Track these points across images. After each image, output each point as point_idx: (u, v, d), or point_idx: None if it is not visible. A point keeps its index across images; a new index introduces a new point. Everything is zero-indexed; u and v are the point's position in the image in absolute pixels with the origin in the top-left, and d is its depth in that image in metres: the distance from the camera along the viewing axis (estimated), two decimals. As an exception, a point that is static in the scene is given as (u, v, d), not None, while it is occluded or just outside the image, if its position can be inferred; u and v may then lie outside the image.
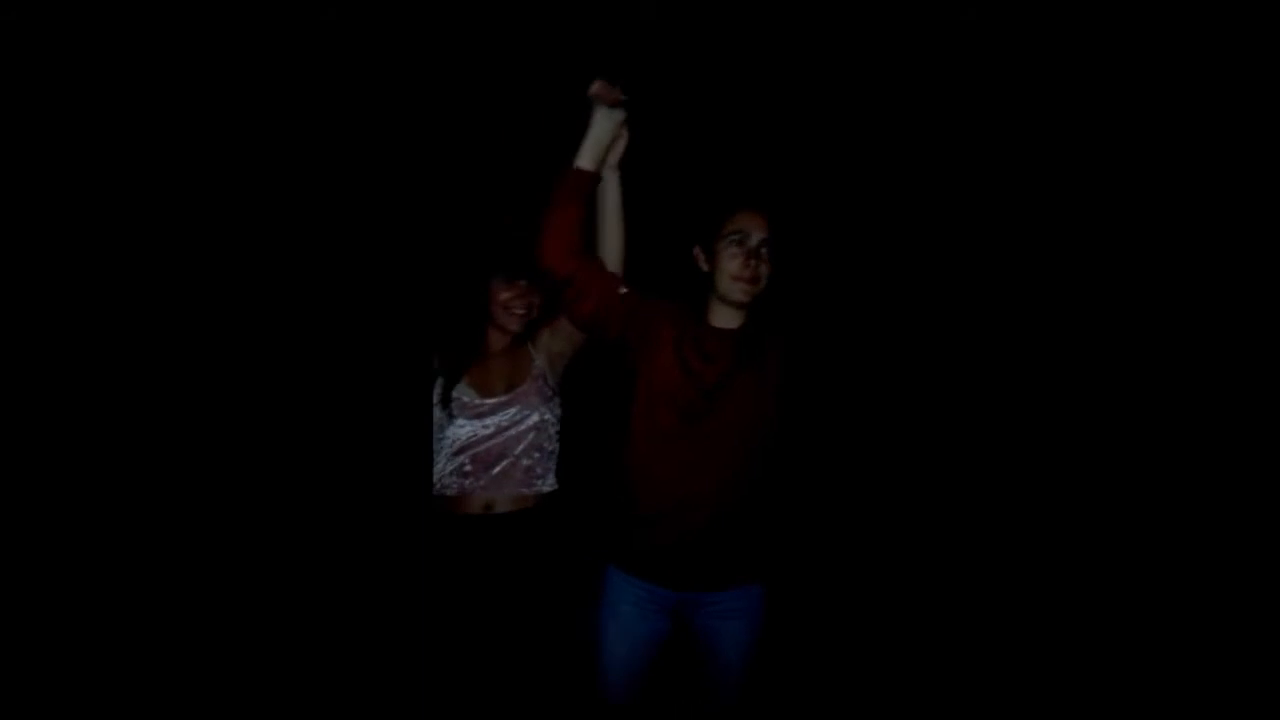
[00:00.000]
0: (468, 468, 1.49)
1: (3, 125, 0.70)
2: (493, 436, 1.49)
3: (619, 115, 1.39)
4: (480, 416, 1.50)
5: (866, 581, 2.52)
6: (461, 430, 1.49)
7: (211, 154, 0.76)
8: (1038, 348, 2.24)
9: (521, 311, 1.55)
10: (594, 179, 1.39)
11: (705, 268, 1.45)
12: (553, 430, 1.55)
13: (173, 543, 0.74)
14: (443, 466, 1.50)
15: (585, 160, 1.37)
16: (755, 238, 1.38)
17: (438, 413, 1.50)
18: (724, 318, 1.43)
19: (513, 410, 1.50)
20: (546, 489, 1.54)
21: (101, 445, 0.71)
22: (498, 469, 1.49)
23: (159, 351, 0.73)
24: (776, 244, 1.41)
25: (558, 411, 1.57)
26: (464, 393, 1.51)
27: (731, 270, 1.38)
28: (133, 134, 0.73)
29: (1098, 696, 1.84)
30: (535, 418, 1.51)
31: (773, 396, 1.41)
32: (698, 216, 1.49)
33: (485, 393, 1.51)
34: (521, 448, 1.50)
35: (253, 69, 0.78)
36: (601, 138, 1.38)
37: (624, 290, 1.41)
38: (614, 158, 1.44)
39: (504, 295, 1.54)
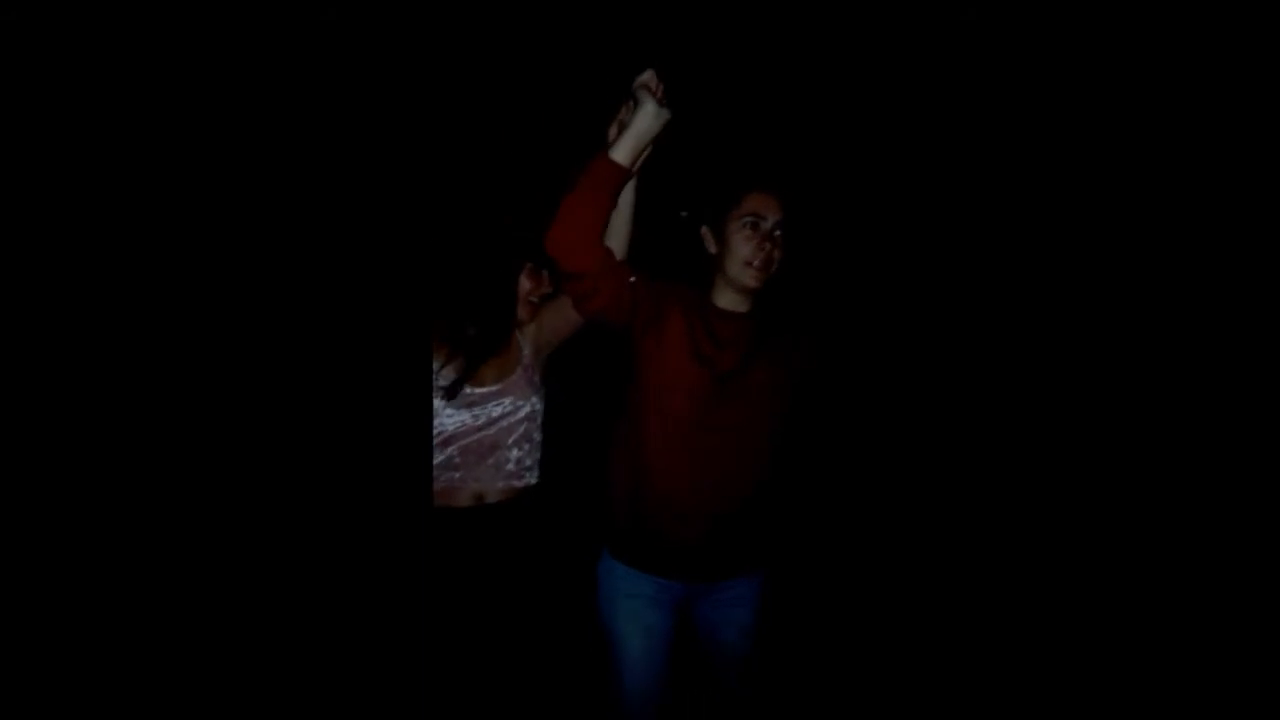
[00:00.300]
0: (456, 459, 1.42)
1: (2, 125, 0.70)
2: (484, 428, 1.43)
3: (666, 115, 1.26)
4: (470, 406, 1.42)
5: (874, 568, 2.53)
6: (449, 421, 1.41)
7: (212, 153, 0.76)
8: (1036, 353, 2.25)
9: (536, 302, 1.49)
10: (627, 175, 1.27)
11: (713, 249, 1.38)
12: (539, 421, 1.50)
13: (164, 536, 0.74)
14: None
15: (622, 154, 1.24)
16: (769, 221, 1.32)
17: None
18: (731, 301, 1.38)
19: (506, 401, 1.44)
20: (534, 480, 1.49)
21: (89, 436, 0.71)
22: (490, 460, 1.43)
23: (150, 343, 0.73)
24: (790, 228, 1.35)
25: (543, 402, 1.51)
26: (448, 378, 1.43)
27: (744, 255, 1.32)
28: (133, 134, 0.73)
29: (1095, 690, 1.85)
30: (527, 408, 1.46)
31: (787, 387, 1.37)
32: (706, 194, 1.42)
33: (475, 382, 1.44)
34: (513, 439, 1.45)
35: (253, 69, 0.78)
36: (644, 134, 1.24)
37: (633, 279, 1.34)
38: (638, 162, 1.31)
39: (527, 286, 1.48)
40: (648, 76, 1.27)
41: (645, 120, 1.24)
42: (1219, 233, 1.77)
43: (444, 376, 1.42)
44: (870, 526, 2.61)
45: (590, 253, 1.28)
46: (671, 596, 1.40)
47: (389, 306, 0.85)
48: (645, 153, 1.32)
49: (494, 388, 1.45)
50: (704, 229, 1.41)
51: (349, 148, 0.81)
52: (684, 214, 1.49)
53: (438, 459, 1.42)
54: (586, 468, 1.53)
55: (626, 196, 1.38)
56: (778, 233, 1.34)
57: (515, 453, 1.46)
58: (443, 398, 1.42)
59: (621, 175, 1.27)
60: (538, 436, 1.50)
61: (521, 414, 1.46)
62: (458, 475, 1.42)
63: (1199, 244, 1.81)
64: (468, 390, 1.44)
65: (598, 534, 1.46)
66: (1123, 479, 1.94)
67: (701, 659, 1.49)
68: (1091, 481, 2.03)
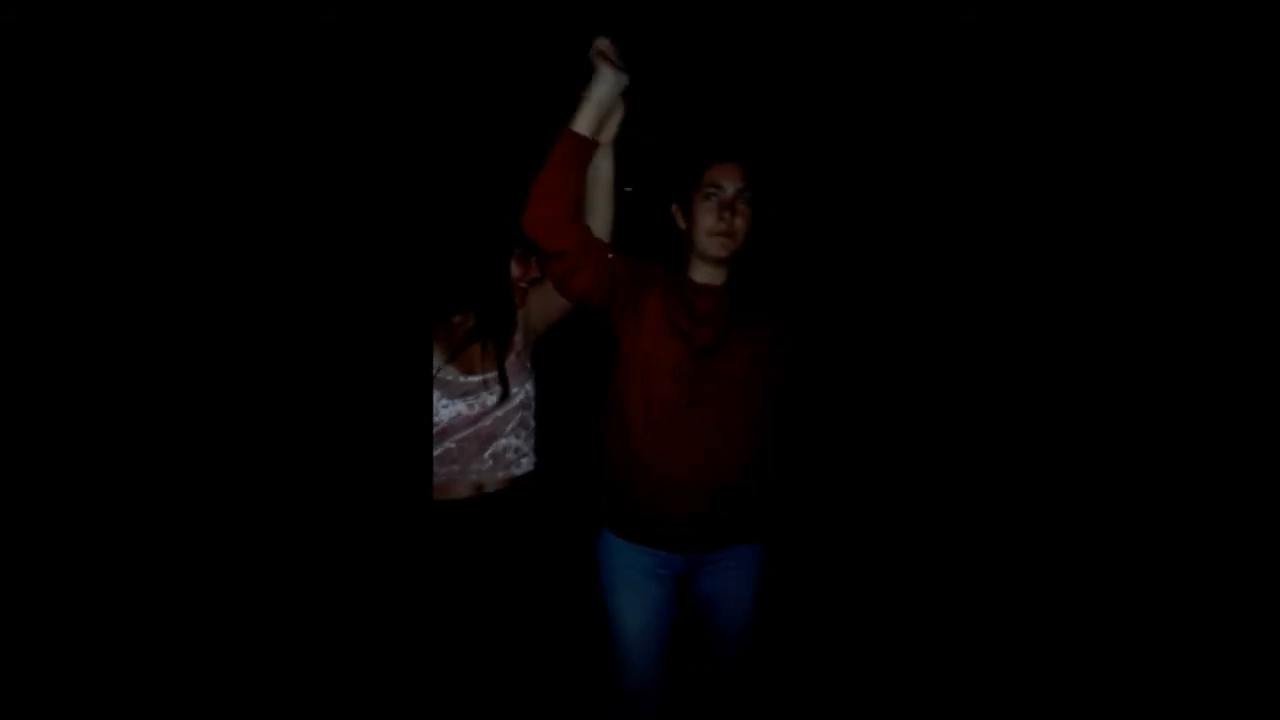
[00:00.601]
0: (454, 452, 1.40)
1: (2, 125, 0.71)
2: (480, 418, 1.41)
3: (623, 80, 1.29)
4: (464, 396, 1.41)
5: (874, 546, 2.53)
6: (445, 412, 1.40)
7: (212, 151, 0.77)
8: (1024, 327, 2.26)
9: (526, 287, 1.51)
10: (592, 146, 1.30)
11: (683, 225, 1.41)
12: (533, 406, 1.49)
13: (165, 536, 0.74)
14: None
15: (583, 125, 1.27)
16: (729, 189, 1.35)
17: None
18: (706, 274, 1.40)
19: (500, 389, 1.43)
20: (530, 466, 1.48)
21: (90, 436, 0.71)
22: (488, 451, 1.41)
23: (151, 339, 0.74)
24: (756, 196, 1.37)
25: (535, 387, 1.51)
26: (446, 371, 1.42)
27: (707, 225, 1.35)
28: (133, 134, 0.74)
29: (1093, 676, 1.85)
30: (521, 395, 1.45)
31: (768, 358, 1.38)
32: (674, 173, 1.45)
33: (467, 369, 1.43)
34: (510, 427, 1.44)
35: (253, 69, 0.78)
36: (603, 101, 1.27)
37: (611, 257, 1.36)
38: (609, 134, 1.35)
39: (517, 271, 1.50)
40: (602, 44, 1.29)
41: (602, 86, 1.27)
42: (1218, 233, 1.77)
43: (448, 371, 1.42)
44: (870, 503, 2.61)
45: (567, 230, 1.29)
46: (670, 569, 1.40)
47: (386, 300, 0.85)
48: (615, 123, 1.34)
49: (490, 374, 1.44)
50: (674, 207, 1.44)
51: (348, 144, 0.81)
52: (628, 189, 1.51)
53: (436, 451, 1.41)
54: (582, 448, 1.53)
55: (604, 173, 1.40)
56: (741, 202, 1.36)
57: (513, 440, 1.45)
58: (499, 401, 1.42)
59: (586, 146, 1.28)
60: (532, 423, 1.49)
61: (516, 401, 1.45)
62: (457, 468, 1.41)
63: (1196, 244, 1.81)
64: (461, 379, 1.43)
65: (595, 512, 1.47)
66: (1116, 455, 1.94)
67: (701, 634, 1.48)
68: (1089, 467, 2.03)
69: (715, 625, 1.45)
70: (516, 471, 1.45)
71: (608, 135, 1.35)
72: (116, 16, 0.73)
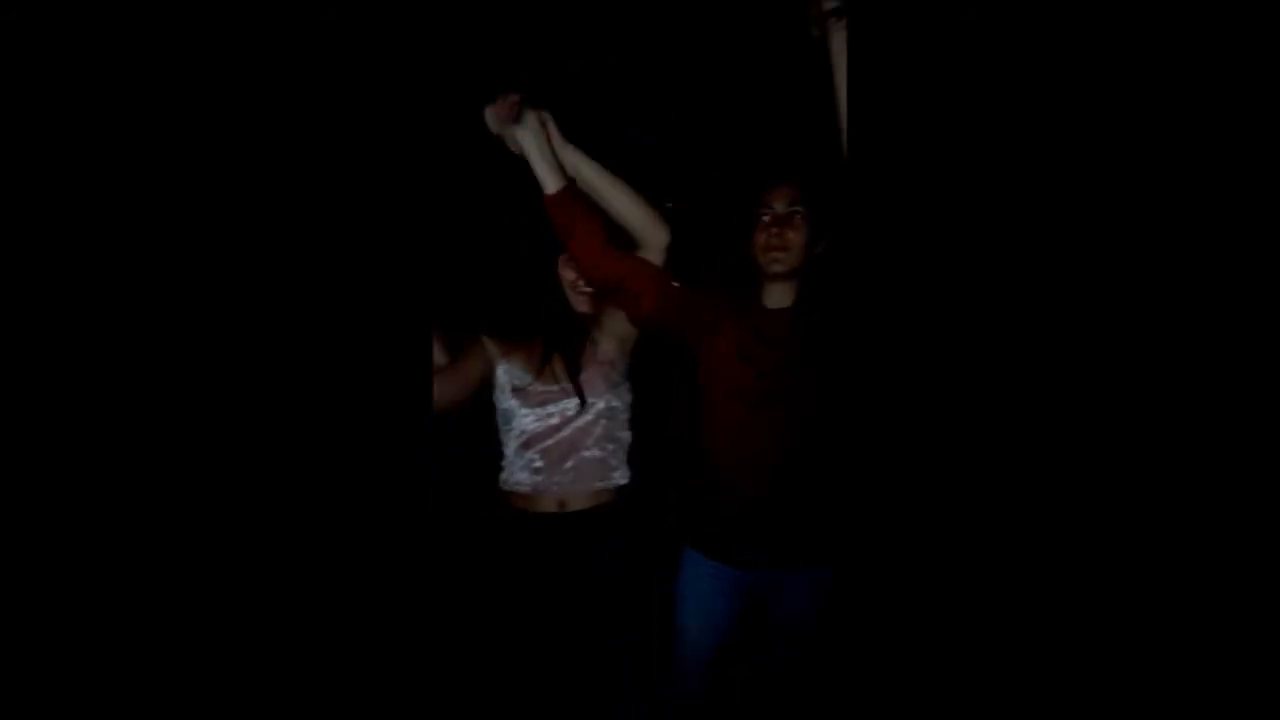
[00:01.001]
0: (538, 463, 1.40)
1: (3, 125, 0.70)
2: (560, 428, 1.41)
3: (532, 120, 1.31)
4: (543, 404, 1.41)
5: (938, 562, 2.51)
6: (526, 420, 1.40)
7: (212, 154, 0.76)
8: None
9: (589, 289, 1.46)
10: (570, 186, 1.34)
11: (751, 252, 1.46)
12: (622, 418, 1.47)
13: (169, 542, 0.74)
14: (511, 461, 1.41)
15: (549, 183, 1.32)
16: (779, 206, 1.39)
17: (507, 403, 1.42)
18: (775, 297, 1.43)
19: (578, 399, 1.42)
20: (622, 481, 1.45)
21: (92, 439, 0.70)
22: (570, 463, 1.41)
23: (158, 344, 0.73)
24: (812, 211, 1.40)
25: (627, 398, 1.48)
26: (522, 379, 1.41)
27: (760, 242, 1.40)
28: (133, 134, 0.73)
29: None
30: (601, 404, 1.43)
31: (834, 378, 1.40)
32: (738, 208, 1.50)
33: (547, 379, 1.43)
34: (593, 439, 1.42)
35: (253, 69, 0.77)
36: (540, 151, 1.31)
37: (675, 284, 1.39)
38: (556, 142, 1.36)
39: (569, 275, 1.47)
40: (489, 118, 1.32)
41: (526, 142, 1.32)
42: (1221, 233, 1.77)
43: (517, 377, 1.42)
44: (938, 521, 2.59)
45: (611, 261, 1.34)
46: (735, 583, 1.44)
47: (386, 310, 0.85)
48: (555, 136, 1.36)
49: (565, 384, 1.43)
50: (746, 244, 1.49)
51: (351, 151, 0.81)
52: (669, 205, 1.54)
53: (520, 462, 1.41)
54: (676, 463, 1.55)
55: (589, 173, 1.40)
56: (795, 216, 1.39)
57: (597, 453, 1.43)
58: (578, 411, 1.41)
59: (566, 193, 1.33)
60: (623, 434, 1.47)
61: (595, 412, 1.43)
62: (541, 478, 1.41)
63: (1201, 245, 1.81)
64: (540, 388, 1.42)
65: (680, 525, 1.51)
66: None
67: (755, 634, 1.54)
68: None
69: (767, 638, 1.50)
70: (600, 484, 1.43)
71: (556, 143, 1.37)
72: (116, 17, 0.72)
